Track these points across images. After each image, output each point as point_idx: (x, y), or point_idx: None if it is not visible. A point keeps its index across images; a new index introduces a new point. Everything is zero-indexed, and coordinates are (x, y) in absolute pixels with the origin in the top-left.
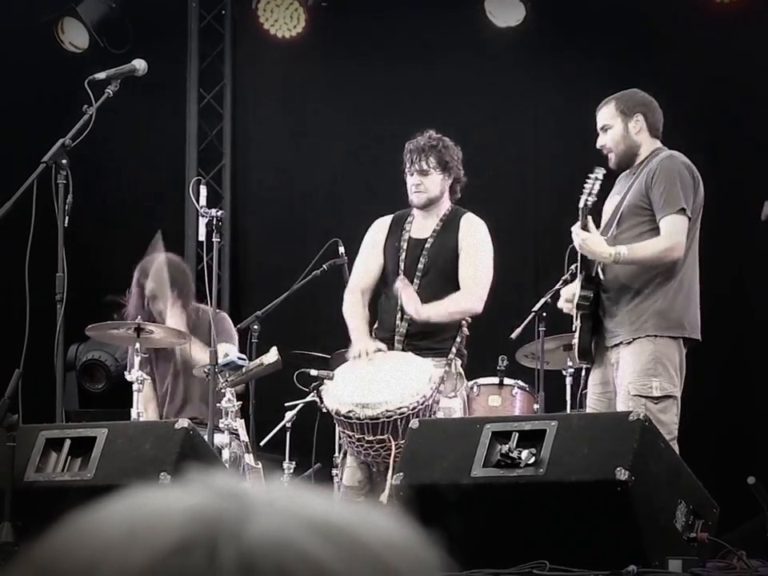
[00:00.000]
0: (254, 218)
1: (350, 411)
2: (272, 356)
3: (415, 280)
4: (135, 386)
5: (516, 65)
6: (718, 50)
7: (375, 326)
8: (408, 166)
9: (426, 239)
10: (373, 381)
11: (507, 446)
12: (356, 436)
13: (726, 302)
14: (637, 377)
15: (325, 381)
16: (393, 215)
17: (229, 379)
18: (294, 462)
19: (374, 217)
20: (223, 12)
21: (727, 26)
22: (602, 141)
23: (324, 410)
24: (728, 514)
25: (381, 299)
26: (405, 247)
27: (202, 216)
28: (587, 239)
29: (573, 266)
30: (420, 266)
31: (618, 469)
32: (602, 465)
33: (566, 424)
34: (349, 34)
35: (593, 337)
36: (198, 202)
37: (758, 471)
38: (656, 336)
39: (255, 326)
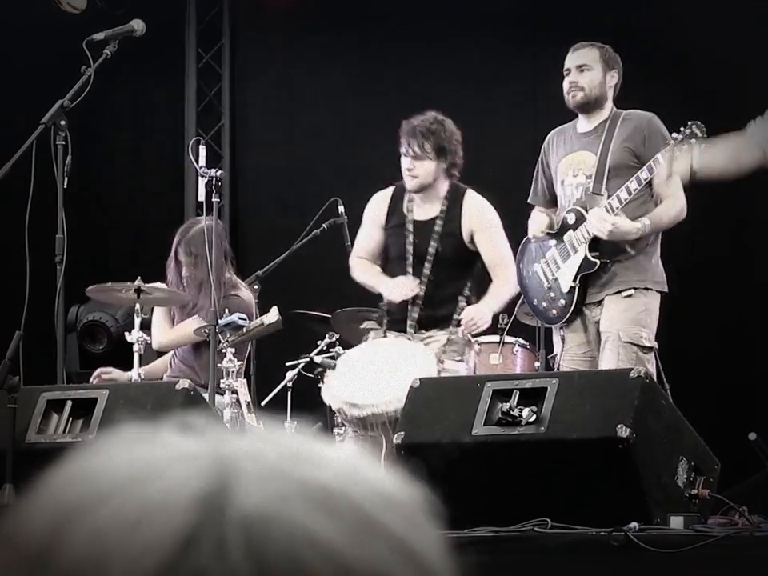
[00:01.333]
0: (254, 177)
1: (339, 408)
2: (273, 316)
3: (426, 264)
4: (136, 347)
5: (513, 42)
6: None
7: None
8: (403, 147)
9: (434, 221)
10: (369, 379)
11: (508, 404)
12: (351, 428)
13: (726, 258)
14: (630, 324)
15: (327, 370)
16: (392, 190)
17: (229, 339)
18: (295, 422)
19: (374, 175)
20: None
21: None
22: (576, 78)
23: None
24: (729, 471)
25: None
26: (411, 229)
27: (202, 176)
28: (617, 223)
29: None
30: (431, 249)
31: (620, 426)
32: (603, 422)
33: (566, 382)
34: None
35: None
36: (197, 162)
37: (758, 427)
38: (647, 289)
39: (256, 286)
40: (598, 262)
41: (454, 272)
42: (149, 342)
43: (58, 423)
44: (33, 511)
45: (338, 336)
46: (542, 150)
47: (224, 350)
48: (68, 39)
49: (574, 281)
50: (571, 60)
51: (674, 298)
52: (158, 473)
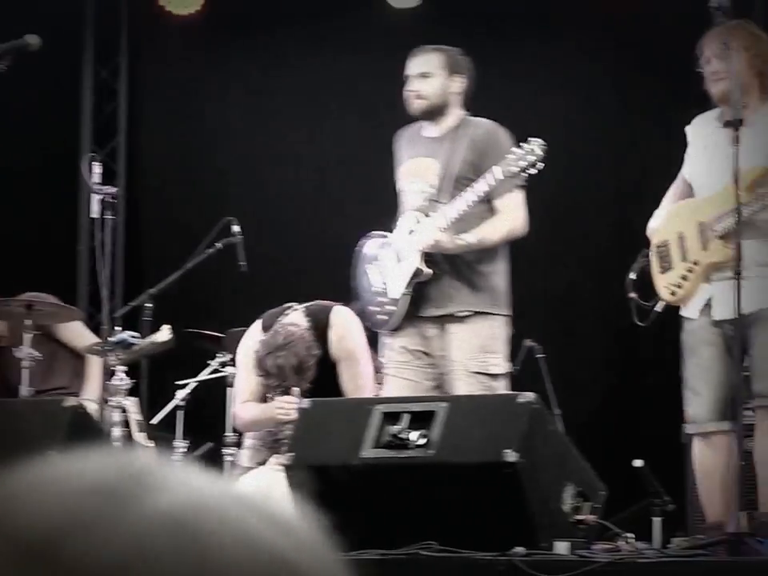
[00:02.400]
0: (150, 195)
1: None
2: (164, 334)
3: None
4: (25, 363)
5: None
6: None
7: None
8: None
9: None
10: None
11: (397, 426)
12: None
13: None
14: (477, 353)
15: None
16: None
17: (120, 357)
18: (187, 441)
19: (270, 194)
20: None
21: None
22: (418, 86)
23: None
24: (615, 497)
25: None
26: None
27: (95, 193)
28: (440, 240)
29: None
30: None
31: (507, 450)
32: (490, 446)
33: (456, 405)
34: (246, 14)
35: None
36: (90, 178)
37: (644, 455)
38: (493, 314)
39: (148, 304)
40: (431, 272)
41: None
42: (41, 358)
43: None
44: None
45: (231, 356)
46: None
47: (113, 368)
48: None
49: (407, 288)
50: (412, 67)
51: (562, 322)
52: None
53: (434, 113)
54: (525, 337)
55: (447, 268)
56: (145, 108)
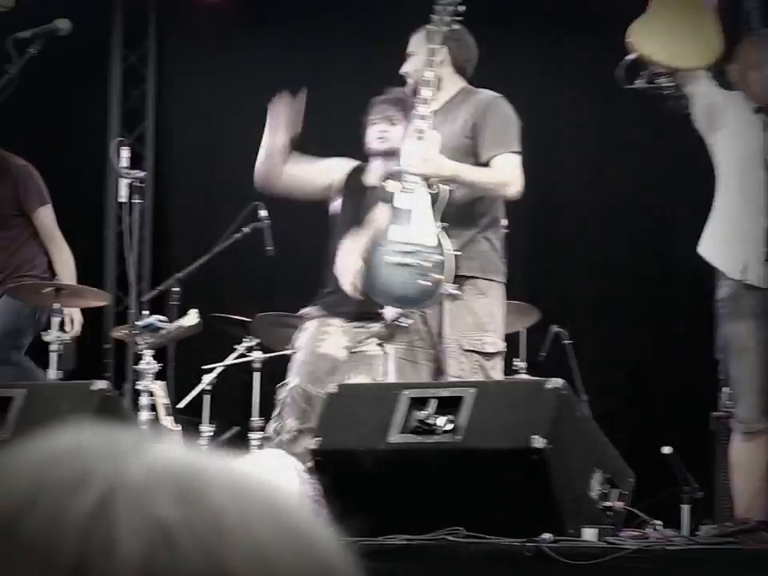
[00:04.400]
0: (177, 180)
1: None
2: (191, 318)
3: None
4: (53, 347)
5: None
6: None
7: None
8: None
9: None
10: None
11: (425, 412)
12: None
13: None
14: (472, 330)
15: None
16: None
17: (147, 341)
18: (213, 425)
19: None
20: None
21: None
22: (404, 68)
23: None
24: (643, 484)
25: None
26: None
27: (123, 177)
28: (431, 160)
29: None
30: None
31: (535, 437)
32: (518, 432)
33: (483, 391)
34: None
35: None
36: (119, 163)
37: (673, 441)
38: (489, 280)
39: (175, 288)
40: (447, 187)
41: None
42: (67, 341)
43: None
44: None
45: (257, 340)
46: None
47: (141, 352)
48: None
49: (438, 220)
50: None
51: (588, 308)
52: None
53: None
54: (551, 323)
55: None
56: (173, 92)
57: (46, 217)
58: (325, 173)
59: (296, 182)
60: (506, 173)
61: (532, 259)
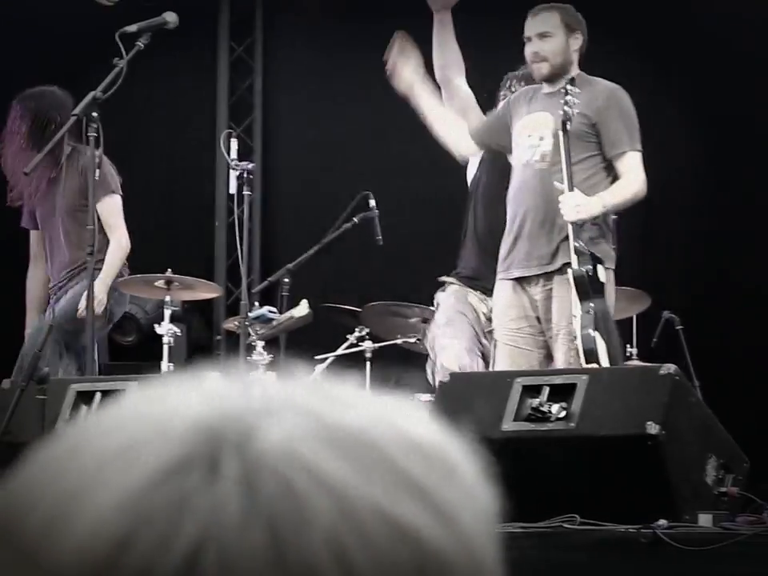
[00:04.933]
0: (285, 171)
1: None
2: (303, 309)
3: None
4: (165, 339)
5: None
6: None
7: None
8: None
9: None
10: None
11: (538, 399)
12: None
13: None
14: (570, 317)
15: None
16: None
17: (259, 332)
18: None
19: (406, 169)
20: None
21: None
22: (538, 47)
23: None
24: (759, 469)
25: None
26: None
27: (233, 169)
28: (582, 204)
29: None
30: None
31: (649, 423)
32: (632, 419)
33: (596, 378)
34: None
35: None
36: (228, 154)
37: None
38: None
39: (286, 279)
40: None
41: None
42: (179, 334)
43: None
44: (26, 501)
45: (368, 330)
46: (507, 102)
47: (253, 344)
48: (100, 30)
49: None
50: (531, 27)
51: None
52: (160, 401)
53: (556, 75)
54: (662, 308)
55: (543, 219)
56: (280, 84)
57: (106, 206)
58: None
59: (459, 99)
60: (636, 175)
61: (643, 244)
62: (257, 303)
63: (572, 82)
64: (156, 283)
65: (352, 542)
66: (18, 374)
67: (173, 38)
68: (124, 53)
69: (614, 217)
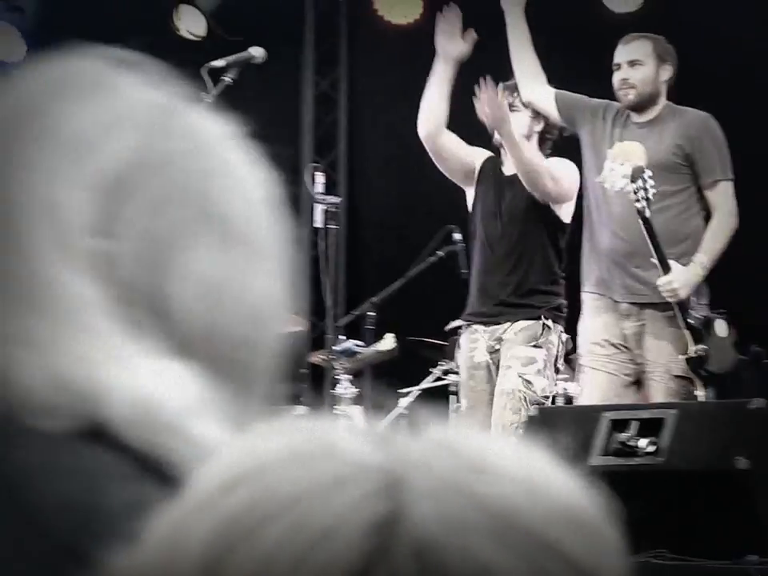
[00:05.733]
0: (370, 204)
1: None
2: (388, 343)
3: None
4: None
5: None
6: None
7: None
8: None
9: None
10: None
11: (626, 434)
12: None
13: None
14: (677, 354)
15: None
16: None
17: (344, 366)
18: None
19: None
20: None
21: None
22: (628, 74)
23: None
24: None
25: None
26: None
27: (318, 202)
28: (681, 287)
29: None
30: None
31: (738, 458)
32: (721, 453)
33: (685, 412)
34: (465, 22)
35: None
36: (313, 188)
37: None
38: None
39: (370, 312)
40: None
41: None
42: None
43: None
44: (191, 524)
45: (453, 364)
46: (601, 105)
47: (339, 377)
48: (185, 66)
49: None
50: (622, 54)
51: None
52: (329, 490)
53: (643, 103)
54: (750, 342)
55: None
56: (364, 117)
57: None
58: (471, 155)
59: (448, 148)
60: (729, 208)
61: (731, 279)
62: (343, 337)
63: (642, 170)
64: None
65: None
66: None
67: (256, 71)
68: (211, 87)
69: None
